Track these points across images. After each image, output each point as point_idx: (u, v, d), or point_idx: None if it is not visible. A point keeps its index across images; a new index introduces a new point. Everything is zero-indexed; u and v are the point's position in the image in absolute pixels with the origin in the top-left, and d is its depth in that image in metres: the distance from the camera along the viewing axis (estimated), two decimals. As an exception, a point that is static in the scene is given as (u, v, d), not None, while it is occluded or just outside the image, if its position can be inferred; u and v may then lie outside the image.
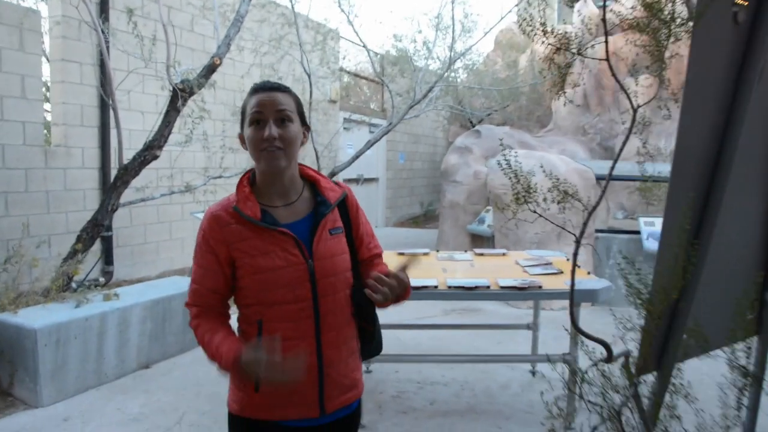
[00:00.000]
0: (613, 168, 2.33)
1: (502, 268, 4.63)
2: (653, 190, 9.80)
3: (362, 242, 2.10)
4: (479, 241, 9.38)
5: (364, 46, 10.42)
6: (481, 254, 5.21)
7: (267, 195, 1.92)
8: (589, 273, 4.52)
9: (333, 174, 10.06)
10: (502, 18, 10.36)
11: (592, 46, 11.09)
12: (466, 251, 5.45)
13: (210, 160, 8.18)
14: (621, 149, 2.23)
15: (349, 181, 13.85)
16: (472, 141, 10.08)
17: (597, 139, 11.50)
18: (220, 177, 7.38)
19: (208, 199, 7.10)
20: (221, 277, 1.87)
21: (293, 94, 1.94)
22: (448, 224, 9.68)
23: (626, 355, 2.29)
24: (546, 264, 4.70)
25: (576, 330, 2.38)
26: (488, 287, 3.91)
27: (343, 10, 9.46)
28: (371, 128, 15.20)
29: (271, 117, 1.82)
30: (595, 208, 2.26)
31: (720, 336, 2.37)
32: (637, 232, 7.90)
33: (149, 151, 5.92)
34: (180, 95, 5.71)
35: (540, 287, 3.94)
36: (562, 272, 4.43)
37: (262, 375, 1.68)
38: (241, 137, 1.92)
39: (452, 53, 9.97)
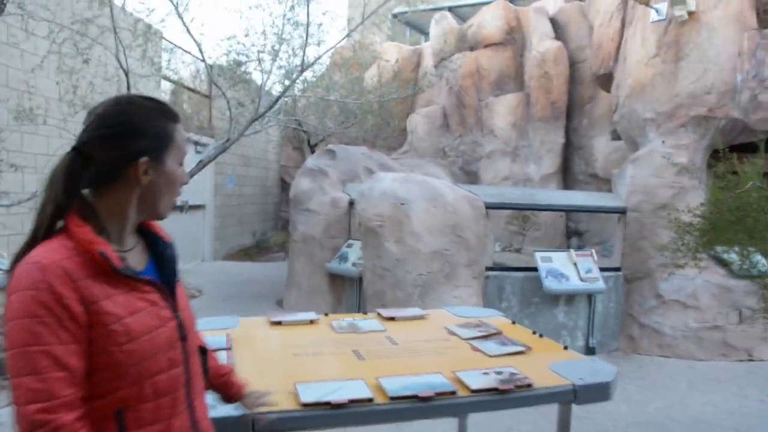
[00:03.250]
0: None
1: (437, 344, 3.11)
2: (531, 219, 8.83)
3: None
4: (340, 282, 7.82)
5: (202, 58, 8.57)
6: (392, 318, 3.63)
7: (113, 238, 1.48)
8: (566, 347, 3.11)
9: (155, 200, 8.04)
10: (363, 20, 8.87)
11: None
12: (366, 313, 3.84)
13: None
14: None
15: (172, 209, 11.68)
16: (326, 162, 8.53)
17: (459, 163, 10.44)
18: (-7, 205, 5.21)
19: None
20: (87, 351, 1.33)
21: None
22: (302, 262, 8.03)
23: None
24: (496, 334, 3.26)
25: None
26: (454, 393, 2.36)
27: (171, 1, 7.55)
28: (197, 147, 13.16)
29: None
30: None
31: None
32: (532, 269, 6.76)
33: None
34: None
35: (530, 385, 2.46)
36: (530, 348, 3.00)
37: None
38: (146, 167, 1.48)
39: (304, 58, 8.37)
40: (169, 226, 1.53)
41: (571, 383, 2.51)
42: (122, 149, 1.46)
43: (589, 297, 6.82)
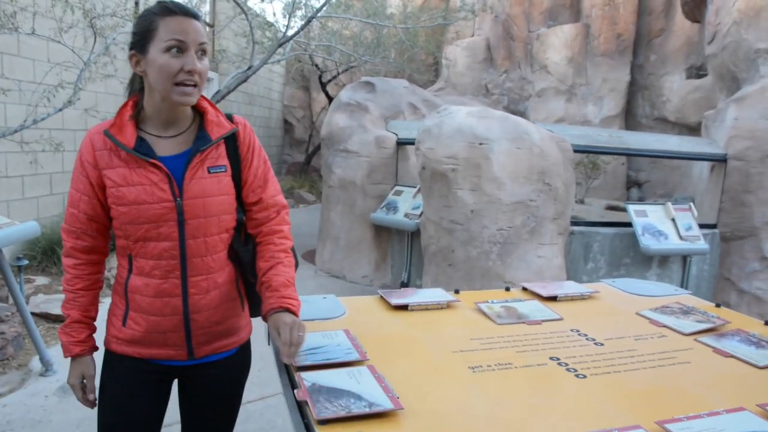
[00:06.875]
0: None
1: (658, 343, 2.12)
2: (600, 167, 7.77)
3: (246, 183, 1.86)
4: (386, 236, 6.78)
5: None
6: (553, 297, 2.60)
7: (152, 123, 1.77)
8: None
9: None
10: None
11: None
12: (508, 288, 2.78)
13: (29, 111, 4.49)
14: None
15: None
16: (364, 96, 7.38)
17: (504, 101, 9.31)
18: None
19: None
20: (96, 203, 1.77)
21: (204, 24, 1.77)
22: (339, 211, 6.97)
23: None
24: (723, 325, 2.28)
25: None
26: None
27: None
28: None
29: (193, 48, 1.66)
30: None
31: None
32: (623, 224, 5.78)
33: None
34: None
35: None
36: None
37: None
38: (136, 58, 1.70)
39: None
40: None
41: None
42: (129, 48, 1.73)
43: (684, 258, 5.86)
